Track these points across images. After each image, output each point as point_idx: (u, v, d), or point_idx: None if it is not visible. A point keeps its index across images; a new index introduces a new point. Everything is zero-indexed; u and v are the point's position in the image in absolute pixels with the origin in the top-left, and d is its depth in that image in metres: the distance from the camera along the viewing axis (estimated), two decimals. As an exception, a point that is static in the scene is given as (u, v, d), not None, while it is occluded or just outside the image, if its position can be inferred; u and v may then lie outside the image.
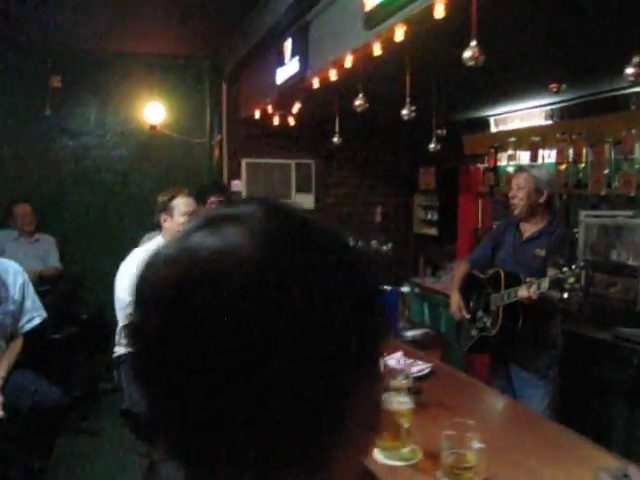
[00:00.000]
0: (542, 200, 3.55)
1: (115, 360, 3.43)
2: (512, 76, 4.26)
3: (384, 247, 4.57)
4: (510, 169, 5.59)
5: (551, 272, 3.22)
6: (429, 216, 6.91)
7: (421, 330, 4.13)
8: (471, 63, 2.48)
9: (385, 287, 4.03)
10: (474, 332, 3.76)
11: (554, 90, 4.20)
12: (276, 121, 5.79)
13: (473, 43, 2.44)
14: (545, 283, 3.14)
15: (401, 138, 6.90)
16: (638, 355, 3.66)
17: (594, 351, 3.93)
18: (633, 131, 4.41)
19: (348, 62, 3.55)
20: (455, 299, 3.86)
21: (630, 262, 4.18)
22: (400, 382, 2.36)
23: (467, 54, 2.48)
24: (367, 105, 3.80)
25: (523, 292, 3.22)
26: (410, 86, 3.63)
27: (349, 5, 3.57)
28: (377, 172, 7.13)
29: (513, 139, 5.59)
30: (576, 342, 3.94)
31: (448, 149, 6.60)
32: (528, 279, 3.30)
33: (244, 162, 6.62)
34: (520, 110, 5.59)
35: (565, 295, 3.18)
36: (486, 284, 3.72)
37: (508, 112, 5.74)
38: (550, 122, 5.32)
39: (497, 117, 5.92)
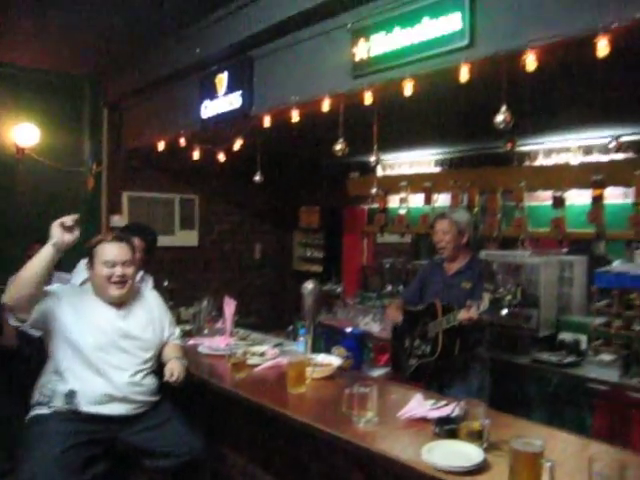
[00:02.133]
0: (464, 240, 3.97)
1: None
2: (401, 128, 4.78)
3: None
4: (402, 211, 6.11)
5: (487, 295, 3.47)
6: (310, 254, 7.13)
7: (383, 369, 4.27)
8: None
9: (348, 329, 4.13)
10: (413, 361, 3.99)
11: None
12: (197, 155, 5.53)
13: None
14: (484, 303, 3.43)
15: (283, 177, 7.08)
16: (554, 375, 4.28)
17: (516, 374, 4.47)
18: (522, 184, 5.20)
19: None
20: (396, 312, 4.08)
21: (529, 293, 4.85)
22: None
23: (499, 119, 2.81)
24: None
25: (464, 314, 3.50)
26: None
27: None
28: (258, 210, 7.18)
29: (404, 183, 6.11)
30: (500, 367, 4.43)
31: (332, 190, 6.99)
32: (468, 302, 3.56)
33: (125, 195, 6.16)
34: (410, 157, 6.16)
35: (504, 312, 3.58)
36: (423, 314, 4.01)
37: (397, 158, 6.28)
38: (441, 170, 5.97)
39: (385, 162, 6.42)
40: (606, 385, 3.93)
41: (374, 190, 5.58)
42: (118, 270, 2.93)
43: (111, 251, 2.94)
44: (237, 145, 4.94)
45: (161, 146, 5.45)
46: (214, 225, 6.86)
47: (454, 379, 3.76)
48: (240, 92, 4.42)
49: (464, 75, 2.79)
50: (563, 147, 5.14)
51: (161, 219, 6.41)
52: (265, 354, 3.67)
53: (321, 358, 3.49)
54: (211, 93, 4.71)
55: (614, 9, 2.27)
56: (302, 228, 7.28)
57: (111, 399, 2.87)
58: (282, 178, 7.11)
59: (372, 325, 5.64)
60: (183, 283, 5.87)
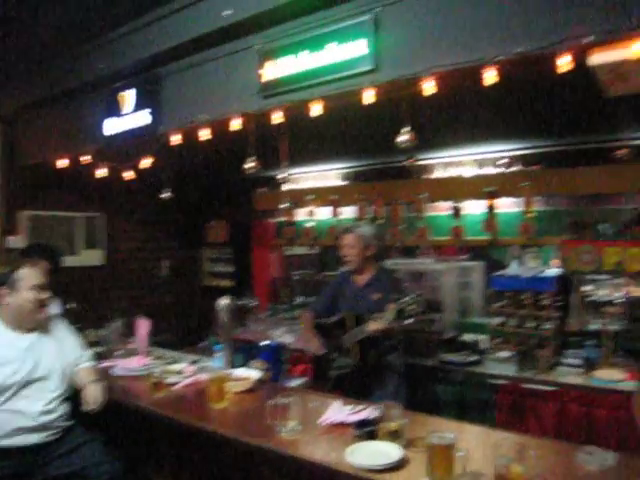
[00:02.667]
0: (370, 253, 4.15)
1: None
2: (308, 143, 4.97)
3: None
4: (310, 224, 6.27)
5: (393, 305, 3.68)
6: (220, 269, 7.12)
7: (300, 379, 4.35)
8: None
9: (264, 342, 4.19)
10: (332, 372, 4.15)
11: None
12: (101, 173, 5.38)
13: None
14: (391, 314, 3.63)
15: (189, 193, 7.05)
16: (459, 374, 4.57)
17: (427, 376, 4.72)
18: (421, 196, 5.52)
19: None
20: (315, 339, 4.19)
21: (433, 298, 5.15)
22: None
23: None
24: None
25: (373, 326, 3.70)
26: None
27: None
28: (165, 226, 7.10)
29: (312, 196, 6.29)
30: (412, 370, 4.67)
31: (240, 204, 7.04)
32: (375, 314, 3.77)
33: (24, 214, 5.90)
34: (316, 171, 6.34)
35: (410, 320, 3.81)
36: (335, 327, 4.17)
37: (303, 172, 6.45)
38: (347, 183, 6.20)
39: (291, 176, 6.56)
40: (505, 379, 4.28)
41: (283, 205, 5.70)
42: (44, 294, 2.87)
43: (36, 275, 2.88)
44: (144, 163, 4.88)
45: (63, 163, 5.27)
46: (120, 243, 6.69)
47: (372, 386, 3.91)
48: (147, 110, 4.38)
49: (368, 97, 2.97)
50: (459, 161, 5.52)
51: (64, 238, 6.17)
52: (183, 372, 3.67)
53: (240, 372, 3.55)
54: (116, 110, 4.62)
55: (498, 44, 2.55)
56: (210, 243, 7.27)
57: (24, 431, 2.78)
58: (189, 194, 7.08)
59: (285, 336, 5.74)
60: (90, 304, 5.70)
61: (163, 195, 5.09)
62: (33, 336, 2.95)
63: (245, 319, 6.37)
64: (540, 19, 2.48)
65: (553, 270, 5.02)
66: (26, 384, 2.84)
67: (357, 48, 2.99)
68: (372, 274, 4.13)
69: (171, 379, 3.47)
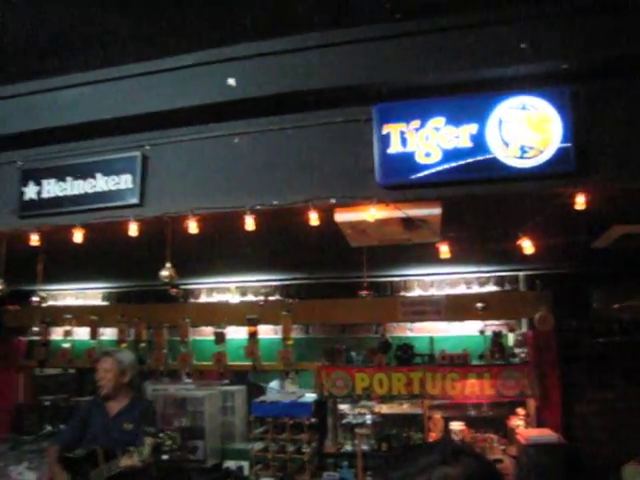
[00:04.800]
0: (126, 380, 4.03)
1: None
2: (66, 263, 4.78)
3: None
4: (67, 344, 5.82)
5: (148, 440, 3.59)
6: (-51, 393, 6.13)
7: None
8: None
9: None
10: None
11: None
12: None
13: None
14: (146, 450, 3.51)
15: None
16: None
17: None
18: (187, 320, 5.53)
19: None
20: (59, 476, 3.82)
21: (195, 425, 5.06)
22: None
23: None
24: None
25: (126, 461, 3.52)
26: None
27: None
28: None
29: (69, 316, 5.89)
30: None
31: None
32: (131, 448, 3.59)
33: None
34: (75, 289, 6.01)
35: (165, 457, 3.72)
36: (82, 463, 3.87)
37: (61, 290, 6.06)
38: (107, 303, 5.95)
39: (47, 292, 6.11)
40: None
41: (36, 328, 5.25)
42: None
43: None
44: None
45: None
46: None
47: None
48: None
49: (133, 230, 3.00)
50: (224, 287, 5.70)
51: None
52: None
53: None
54: None
55: (256, 196, 2.82)
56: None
57: None
58: None
59: (27, 475, 5.07)
60: None
61: None
62: None
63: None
64: (295, 178, 2.82)
65: (310, 395, 5.30)
66: None
67: (124, 181, 3.04)
68: (126, 402, 4.01)
69: None
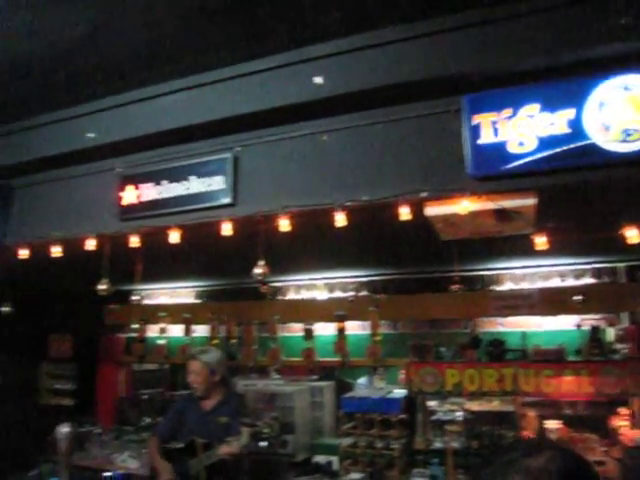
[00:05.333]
0: (217, 379, 4.08)
1: None
2: (163, 263, 5.00)
3: None
4: (162, 341, 6.08)
5: (246, 429, 3.65)
6: (60, 386, 6.57)
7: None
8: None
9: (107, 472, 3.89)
10: None
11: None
12: None
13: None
14: (245, 437, 3.58)
15: (32, 303, 6.56)
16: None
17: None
18: (275, 317, 5.63)
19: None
20: (162, 465, 3.99)
21: (285, 420, 5.13)
22: None
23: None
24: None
25: (225, 450, 3.60)
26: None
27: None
28: (-1, 339, 6.47)
29: (164, 314, 6.15)
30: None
31: (86, 317, 6.67)
32: (229, 437, 3.67)
33: None
34: (169, 288, 6.27)
35: (264, 444, 3.78)
36: (182, 453, 4.02)
37: (156, 289, 6.34)
38: (200, 301, 6.17)
39: (144, 292, 6.42)
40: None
41: (136, 325, 5.51)
42: None
43: None
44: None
45: None
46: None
47: None
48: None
49: (227, 230, 3.09)
50: (311, 284, 5.77)
51: None
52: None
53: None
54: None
55: (346, 192, 2.83)
56: (52, 358, 6.72)
57: None
58: (31, 304, 6.59)
59: (130, 462, 5.34)
60: None
61: (3, 309, 4.70)
62: None
63: (86, 442, 5.86)
64: (384, 173, 2.81)
65: (399, 391, 5.26)
66: None
67: (216, 182, 3.14)
68: (219, 398, 4.09)
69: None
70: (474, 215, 2.80)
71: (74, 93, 3.49)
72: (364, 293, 5.57)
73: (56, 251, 3.88)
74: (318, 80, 2.88)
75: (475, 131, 2.59)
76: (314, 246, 4.30)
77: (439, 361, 5.15)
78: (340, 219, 2.82)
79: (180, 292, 6.33)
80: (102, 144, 3.52)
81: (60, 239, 3.81)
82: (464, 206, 2.68)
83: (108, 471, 4.52)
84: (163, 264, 5.02)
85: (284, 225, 2.94)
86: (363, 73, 2.84)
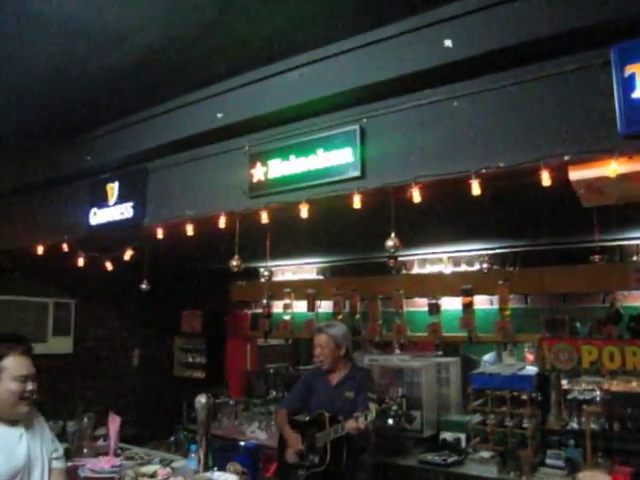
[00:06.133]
0: (342, 352, 4.12)
1: None
2: (289, 240, 5.07)
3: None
4: (287, 317, 6.24)
5: (374, 405, 3.65)
6: (191, 359, 6.98)
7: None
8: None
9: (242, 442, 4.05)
10: (302, 471, 4.01)
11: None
12: (81, 262, 5.31)
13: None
14: (373, 413, 3.56)
15: (166, 281, 6.99)
16: (439, 475, 4.47)
17: (404, 476, 4.60)
18: (400, 291, 5.58)
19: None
20: (292, 435, 4.10)
21: (411, 395, 5.09)
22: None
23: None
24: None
25: (352, 425, 3.60)
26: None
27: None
28: (137, 314, 6.97)
29: (288, 290, 6.30)
30: (387, 470, 4.55)
31: (215, 294, 7.00)
32: (356, 413, 3.67)
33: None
34: (293, 265, 6.40)
35: (391, 421, 3.76)
36: (310, 425, 4.09)
37: (281, 265, 6.49)
38: (323, 277, 6.24)
39: (269, 268, 6.59)
40: (487, 481, 4.17)
41: (264, 301, 5.69)
42: (29, 385, 2.74)
43: (24, 365, 2.76)
44: (127, 255, 4.87)
45: (40, 250, 5.22)
46: (90, 330, 6.54)
47: None
48: (132, 203, 4.43)
49: (356, 203, 3.07)
50: (437, 258, 5.64)
51: (33, 325, 6.02)
52: (157, 474, 3.50)
53: (217, 476, 3.40)
54: (101, 201, 4.66)
55: (482, 158, 2.70)
56: (184, 333, 7.15)
57: None
58: (165, 282, 7.02)
59: (259, 433, 5.57)
60: (53, 394, 5.48)
61: (143, 286, 5.03)
62: (20, 427, 2.81)
63: (218, 412, 6.19)
64: (521, 137, 2.64)
65: (531, 368, 5.04)
66: (14, 475, 2.68)
67: (344, 155, 3.12)
68: (345, 372, 4.12)
69: (144, 483, 3.31)
70: (623, 178, 2.57)
71: (203, 76, 3.60)
72: (493, 266, 5.35)
73: (189, 229, 4.06)
74: (447, 43, 2.75)
75: (628, 84, 2.35)
76: (442, 219, 4.19)
77: (575, 337, 4.87)
78: (475, 187, 2.70)
79: (304, 268, 6.44)
80: (231, 123, 3.60)
81: (192, 218, 3.98)
82: (613, 168, 2.47)
83: (241, 441, 4.73)
84: (288, 241, 5.12)
85: (415, 196, 2.87)
86: (493, 32, 2.67)
